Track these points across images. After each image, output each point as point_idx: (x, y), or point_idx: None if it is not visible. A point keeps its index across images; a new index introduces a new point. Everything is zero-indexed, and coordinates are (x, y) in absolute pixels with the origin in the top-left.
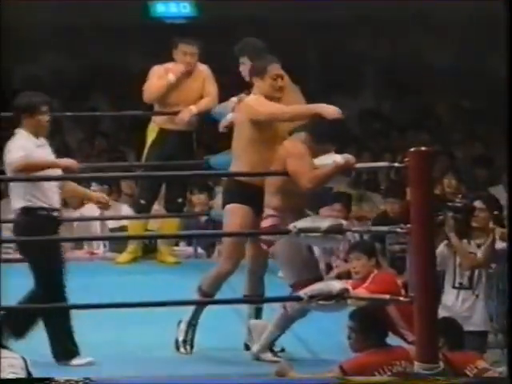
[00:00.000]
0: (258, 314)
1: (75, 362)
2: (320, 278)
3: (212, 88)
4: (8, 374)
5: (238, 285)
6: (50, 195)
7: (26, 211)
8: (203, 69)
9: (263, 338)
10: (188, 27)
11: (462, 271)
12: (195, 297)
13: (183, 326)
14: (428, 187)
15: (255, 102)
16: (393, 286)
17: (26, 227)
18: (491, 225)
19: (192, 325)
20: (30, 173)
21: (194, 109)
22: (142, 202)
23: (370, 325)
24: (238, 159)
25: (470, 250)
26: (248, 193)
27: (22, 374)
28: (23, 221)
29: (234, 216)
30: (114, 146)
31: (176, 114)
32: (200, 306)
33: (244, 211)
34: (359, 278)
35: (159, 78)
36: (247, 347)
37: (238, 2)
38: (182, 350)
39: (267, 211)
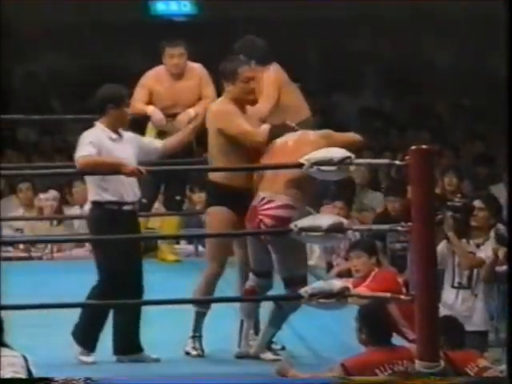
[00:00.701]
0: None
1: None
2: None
3: (209, 90)
4: (8, 373)
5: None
6: (120, 188)
7: (97, 205)
8: (197, 68)
9: (260, 337)
10: (188, 25)
11: (461, 271)
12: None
13: (189, 341)
14: (429, 185)
15: (223, 112)
16: (394, 284)
17: (95, 221)
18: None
19: (197, 337)
20: (92, 170)
21: (192, 112)
22: (144, 200)
23: (374, 325)
24: (214, 164)
25: (469, 250)
26: (228, 195)
27: (23, 373)
28: (93, 215)
29: (214, 219)
30: None
31: (174, 116)
32: (199, 316)
33: (224, 214)
34: (360, 276)
35: (144, 90)
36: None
37: (238, 1)
38: (193, 352)
39: (283, 199)
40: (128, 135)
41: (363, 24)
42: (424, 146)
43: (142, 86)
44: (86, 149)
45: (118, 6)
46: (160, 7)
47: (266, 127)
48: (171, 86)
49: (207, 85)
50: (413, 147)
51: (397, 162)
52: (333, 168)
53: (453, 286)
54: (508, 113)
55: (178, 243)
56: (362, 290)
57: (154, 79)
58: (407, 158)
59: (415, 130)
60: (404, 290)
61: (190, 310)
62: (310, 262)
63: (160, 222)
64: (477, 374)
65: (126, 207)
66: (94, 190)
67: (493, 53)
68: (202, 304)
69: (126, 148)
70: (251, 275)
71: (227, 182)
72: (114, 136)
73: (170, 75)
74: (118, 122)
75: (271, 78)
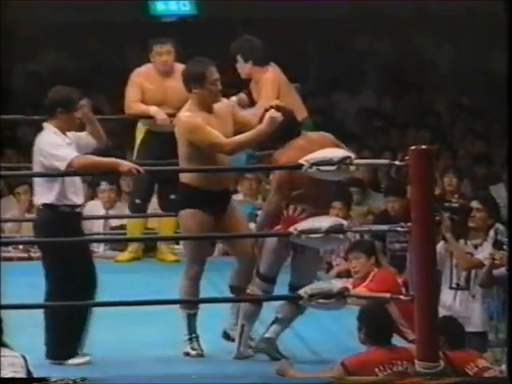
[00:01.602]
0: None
1: (71, 361)
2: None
3: None
4: (8, 373)
5: None
6: (72, 191)
7: (49, 208)
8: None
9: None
10: (188, 25)
11: (458, 272)
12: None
13: (187, 342)
14: (428, 185)
15: (193, 126)
16: (393, 285)
17: (47, 224)
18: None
19: (193, 338)
20: (87, 172)
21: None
22: (138, 201)
23: (374, 324)
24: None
25: (466, 251)
26: (201, 197)
27: (22, 373)
28: (46, 217)
29: (189, 222)
30: (117, 145)
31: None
32: (191, 319)
33: (198, 216)
34: (359, 277)
35: (137, 88)
36: (226, 336)
37: (238, 1)
38: (192, 353)
39: (302, 206)
40: (73, 136)
41: (363, 22)
42: (424, 146)
43: (133, 84)
44: (69, 151)
45: (118, 5)
46: (159, 7)
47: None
48: (160, 84)
49: None
50: (412, 147)
51: (396, 162)
52: (332, 168)
53: (451, 287)
54: (508, 112)
55: (177, 244)
56: (362, 290)
57: (143, 76)
58: (407, 158)
59: (415, 129)
60: (403, 290)
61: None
62: None
63: (158, 223)
64: (476, 375)
65: (77, 210)
66: (44, 193)
67: (493, 52)
68: (190, 306)
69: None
70: (259, 280)
71: (199, 185)
72: (68, 140)
73: (159, 73)
74: (67, 126)
75: (270, 78)
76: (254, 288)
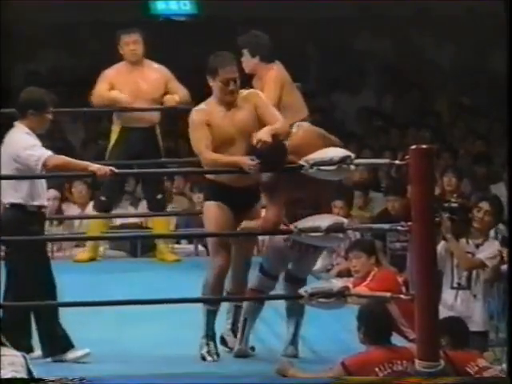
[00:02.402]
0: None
1: (71, 355)
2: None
3: (175, 84)
4: (9, 373)
5: None
6: (41, 192)
7: (17, 207)
8: (159, 66)
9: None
10: (188, 25)
11: (459, 271)
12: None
13: (203, 340)
14: (429, 185)
15: (190, 121)
16: (393, 284)
17: (14, 223)
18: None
19: (210, 336)
20: (59, 171)
21: (176, 97)
22: (102, 198)
23: (374, 324)
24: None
25: (467, 250)
26: (223, 192)
27: (23, 372)
28: (12, 216)
29: (209, 212)
30: None
31: (171, 109)
32: (210, 316)
33: (220, 208)
34: (359, 276)
35: (106, 83)
36: (224, 341)
37: (238, 0)
38: (208, 358)
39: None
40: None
41: (364, 22)
42: (424, 146)
43: (102, 79)
44: (44, 150)
45: (118, 5)
46: (160, 6)
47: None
48: (131, 77)
49: (173, 80)
50: (413, 147)
51: (397, 162)
52: (333, 168)
53: (452, 287)
54: (508, 112)
55: (178, 243)
56: (362, 289)
57: (114, 72)
58: (407, 157)
59: (415, 129)
60: (404, 289)
61: (189, 309)
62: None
63: (152, 223)
64: (477, 374)
65: (43, 209)
66: (11, 192)
67: (493, 52)
68: (210, 303)
69: None
70: (262, 276)
71: (220, 180)
72: (38, 141)
73: (129, 67)
74: (38, 127)
75: (273, 76)
76: (256, 283)
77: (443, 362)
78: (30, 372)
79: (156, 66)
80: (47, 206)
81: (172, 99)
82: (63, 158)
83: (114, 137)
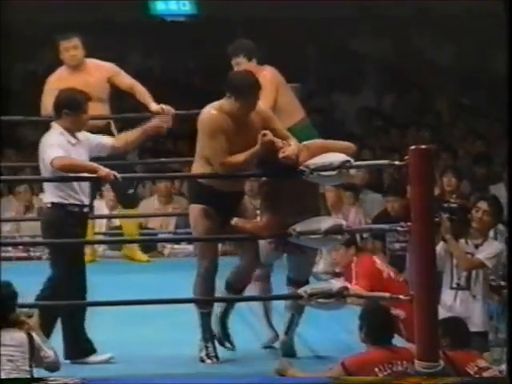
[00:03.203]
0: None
1: (93, 358)
2: None
3: (125, 81)
4: (7, 351)
5: None
6: (81, 191)
7: (58, 207)
8: (103, 63)
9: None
10: (188, 25)
11: (459, 272)
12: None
13: (201, 343)
14: (428, 185)
15: (209, 127)
16: (375, 272)
17: (56, 223)
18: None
19: (207, 338)
20: (66, 173)
21: (154, 106)
22: (130, 191)
23: (375, 324)
24: (195, 164)
25: (467, 250)
26: (212, 196)
27: (24, 349)
28: (54, 216)
29: (196, 217)
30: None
31: (159, 114)
32: (204, 318)
33: (206, 211)
34: (341, 268)
35: (51, 93)
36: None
37: (238, 1)
38: (208, 361)
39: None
40: (83, 137)
41: (363, 22)
42: (423, 146)
43: (46, 91)
44: (57, 151)
45: (118, 5)
46: (159, 7)
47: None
48: (73, 82)
49: (118, 74)
50: (412, 147)
51: (396, 163)
52: (333, 173)
53: (451, 288)
54: (508, 112)
55: (177, 243)
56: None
57: (56, 79)
58: (406, 157)
59: (415, 130)
60: (386, 269)
61: (188, 310)
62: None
63: (121, 222)
64: (476, 374)
65: (85, 209)
66: (54, 191)
67: (493, 52)
68: (202, 304)
69: (81, 153)
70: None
71: (211, 184)
72: (73, 140)
73: (71, 72)
74: (74, 127)
75: (268, 77)
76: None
77: (443, 362)
78: (32, 349)
79: (99, 64)
80: (89, 205)
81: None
82: (70, 160)
83: None
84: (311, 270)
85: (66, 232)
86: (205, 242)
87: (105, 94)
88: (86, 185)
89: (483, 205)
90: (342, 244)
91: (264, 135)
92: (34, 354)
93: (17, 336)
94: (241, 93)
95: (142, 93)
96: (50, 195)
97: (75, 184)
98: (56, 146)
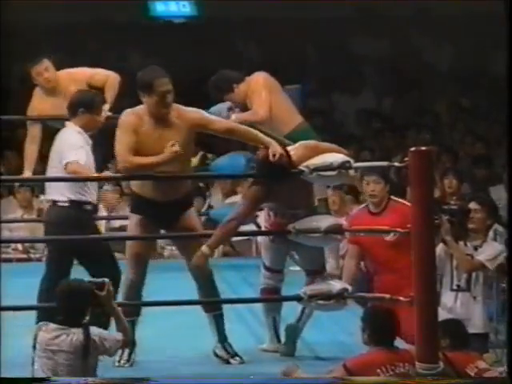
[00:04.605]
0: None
1: None
2: None
3: (101, 78)
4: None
5: (240, 283)
6: (93, 191)
7: (75, 204)
8: (73, 74)
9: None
10: (188, 26)
11: (459, 273)
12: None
13: (219, 344)
14: (428, 187)
15: (119, 123)
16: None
17: (76, 220)
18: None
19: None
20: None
21: (105, 106)
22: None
23: (378, 326)
24: None
25: (467, 252)
26: (146, 206)
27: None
28: (73, 213)
29: (130, 226)
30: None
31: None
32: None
33: (140, 223)
34: (375, 201)
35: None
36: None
37: (238, 1)
38: (233, 361)
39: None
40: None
41: (363, 24)
42: (423, 148)
43: (30, 124)
44: (79, 154)
45: (118, 6)
46: (159, 8)
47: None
48: (52, 103)
49: (94, 74)
50: (412, 148)
51: (396, 164)
52: (333, 173)
53: (452, 289)
54: (508, 113)
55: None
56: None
57: (37, 105)
58: (406, 159)
59: (415, 131)
60: None
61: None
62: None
63: None
64: (476, 375)
65: (96, 208)
66: (70, 189)
67: (493, 53)
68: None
69: (90, 152)
70: (266, 272)
71: (142, 193)
72: (90, 140)
73: (50, 92)
74: (88, 127)
75: (261, 82)
76: (265, 280)
77: (442, 363)
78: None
79: (71, 72)
80: (96, 205)
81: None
82: (83, 168)
83: None
84: (323, 256)
85: (87, 229)
86: (134, 254)
87: None
88: (95, 184)
89: (473, 205)
90: (383, 179)
91: (172, 145)
92: (89, 355)
93: (74, 340)
94: (145, 89)
95: (111, 88)
96: (67, 193)
97: (89, 182)
98: (78, 147)
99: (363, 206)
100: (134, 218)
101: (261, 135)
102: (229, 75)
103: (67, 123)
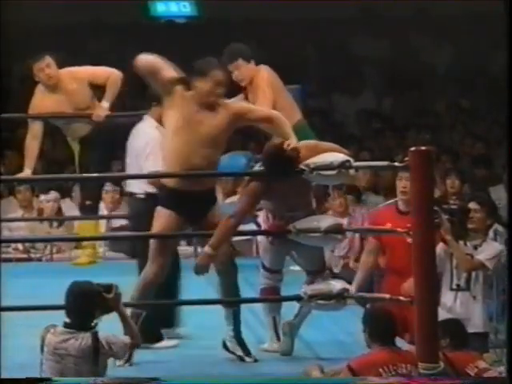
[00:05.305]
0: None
1: (159, 345)
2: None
3: (103, 75)
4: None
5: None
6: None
7: (150, 197)
8: (74, 73)
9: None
10: (188, 26)
11: (459, 273)
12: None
13: (234, 340)
14: (428, 187)
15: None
16: None
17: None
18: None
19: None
20: None
21: (105, 104)
22: (88, 202)
23: (379, 325)
24: None
25: (466, 252)
26: (178, 199)
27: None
28: (150, 206)
29: (156, 221)
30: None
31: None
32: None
33: (168, 216)
34: (407, 198)
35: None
36: (226, 346)
37: (238, 1)
38: (248, 360)
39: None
40: None
41: (363, 24)
42: (423, 148)
43: (31, 121)
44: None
45: (118, 6)
46: (160, 8)
47: None
48: (56, 99)
49: (94, 74)
50: (412, 148)
51: (396, 164)
52: (333, 172)
53: (451, 289)
54: (508, 113)
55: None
56: None
57: (38, 102)
58: (406, 159)
59: (415, 132)
60: None
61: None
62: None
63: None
64: (476, 375)
65: None
66: (145, 184)
67: (493, 53)
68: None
69: None
70: (265, 272)
71: (175, 185)
72: None
73: (51, 89)
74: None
75: (265, 77)
76: (265, 280)
77: (443, 363)
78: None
79: (73, 71)
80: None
81: (100, 109)
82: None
83: (76, 149)
84: (323, 256)
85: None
86: (159, 246)
87: (85, 105)
88: None
89: (473, 204)
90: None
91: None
92: (97, 359)
93: (82, 345)
94: (201, 74)
95: (113, 86)
96: (144, 185)
97: None
98: (159, 156)
99: (390, 202)
100: (161, 212)
101: (290, 128)
102: (239, 48)
103: (145, 117)
